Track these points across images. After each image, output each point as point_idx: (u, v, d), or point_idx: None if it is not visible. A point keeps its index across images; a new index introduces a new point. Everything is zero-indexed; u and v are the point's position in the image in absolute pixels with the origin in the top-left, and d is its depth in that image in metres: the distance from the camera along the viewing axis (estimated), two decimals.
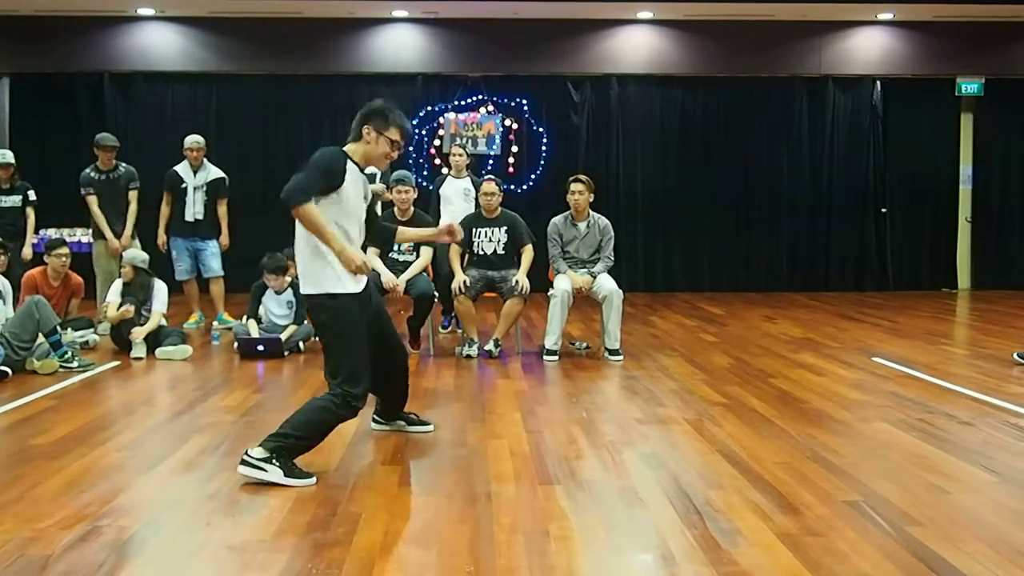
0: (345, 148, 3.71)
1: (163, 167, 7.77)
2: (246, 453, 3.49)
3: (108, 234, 7.48)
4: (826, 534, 2.90)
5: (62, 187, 8.00)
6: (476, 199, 7.53)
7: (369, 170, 7.50)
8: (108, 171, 7.57)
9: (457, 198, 7.47)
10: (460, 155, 7.63)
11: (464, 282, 6.24)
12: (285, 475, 3.44)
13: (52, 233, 9.39)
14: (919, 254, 11.53)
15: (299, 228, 3.61)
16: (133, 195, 7.63)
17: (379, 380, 3.92)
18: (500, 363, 6.13)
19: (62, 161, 9.63)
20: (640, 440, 4.09)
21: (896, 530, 2.93)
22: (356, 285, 3.66)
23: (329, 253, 3.56)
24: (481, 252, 6.51)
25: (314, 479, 3.47)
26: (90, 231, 7.77)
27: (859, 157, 11.31)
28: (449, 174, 7.69)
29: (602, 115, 11.10)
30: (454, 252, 6.45)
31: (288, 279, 6.63)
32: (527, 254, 6.45)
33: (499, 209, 6.55)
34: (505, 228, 6.51)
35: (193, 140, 7.67)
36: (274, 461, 3.46)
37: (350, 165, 3.63)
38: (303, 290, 3.71)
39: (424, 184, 9.25)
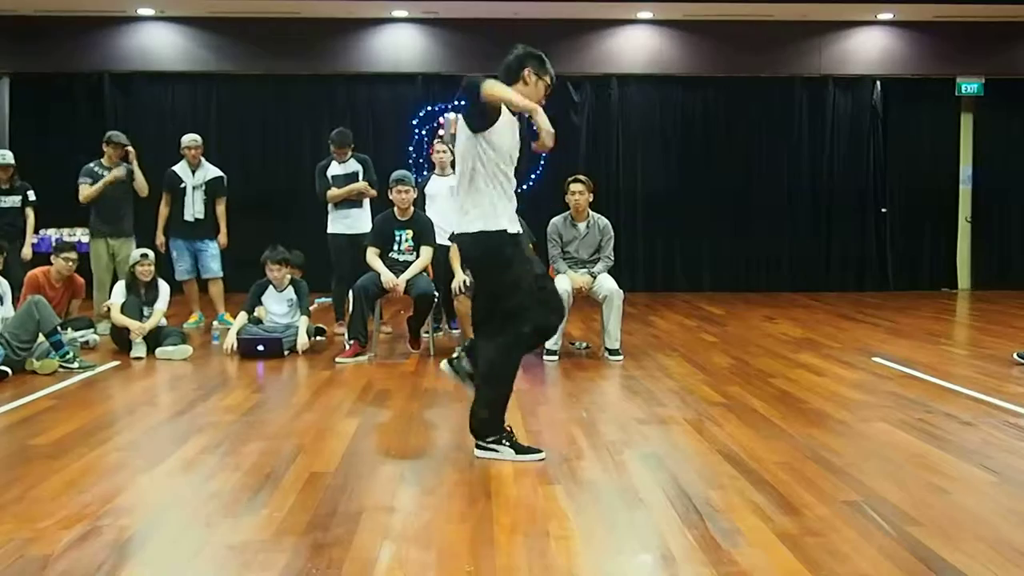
0: None
1: (163, 167, 7.76)
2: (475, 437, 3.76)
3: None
4: (826, 534, 2.90)
5: (62, 187, 7.99)
6: None
7: (351, 168, 7.45)
8: (113, 169, 7.56)
9: (442, 196, 7.17)
10: (444, 152, 7.34)
11: (464, 282, 6.24)
12: (517, 453, 3.70)
13: (52, 233, 9.40)
14: (919, 254, 11.53)
15: (460, 169, 3.66)
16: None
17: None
18: None
19: (62, 161, 9.60)
20: (640, 440, 4.08)
21: (896, 530, 2.93)
22: (512, 225, 3.66)
23: (489, 195, 3.61)
24: None
25: (543, 454, 3.73)
26: (88, 231, 7.77)
27: (859, 157, 11.32)
28: (433, 172, 7.50)
29: (602, 115, 11.12)
30: (454, 252, 6.45)
31: (289, 275, 6.64)
32: None
33: None
34: None
35: (190, 139, 7.66)
36: (504, 441, 3.71)
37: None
38: (457, 229, 3.70)
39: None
